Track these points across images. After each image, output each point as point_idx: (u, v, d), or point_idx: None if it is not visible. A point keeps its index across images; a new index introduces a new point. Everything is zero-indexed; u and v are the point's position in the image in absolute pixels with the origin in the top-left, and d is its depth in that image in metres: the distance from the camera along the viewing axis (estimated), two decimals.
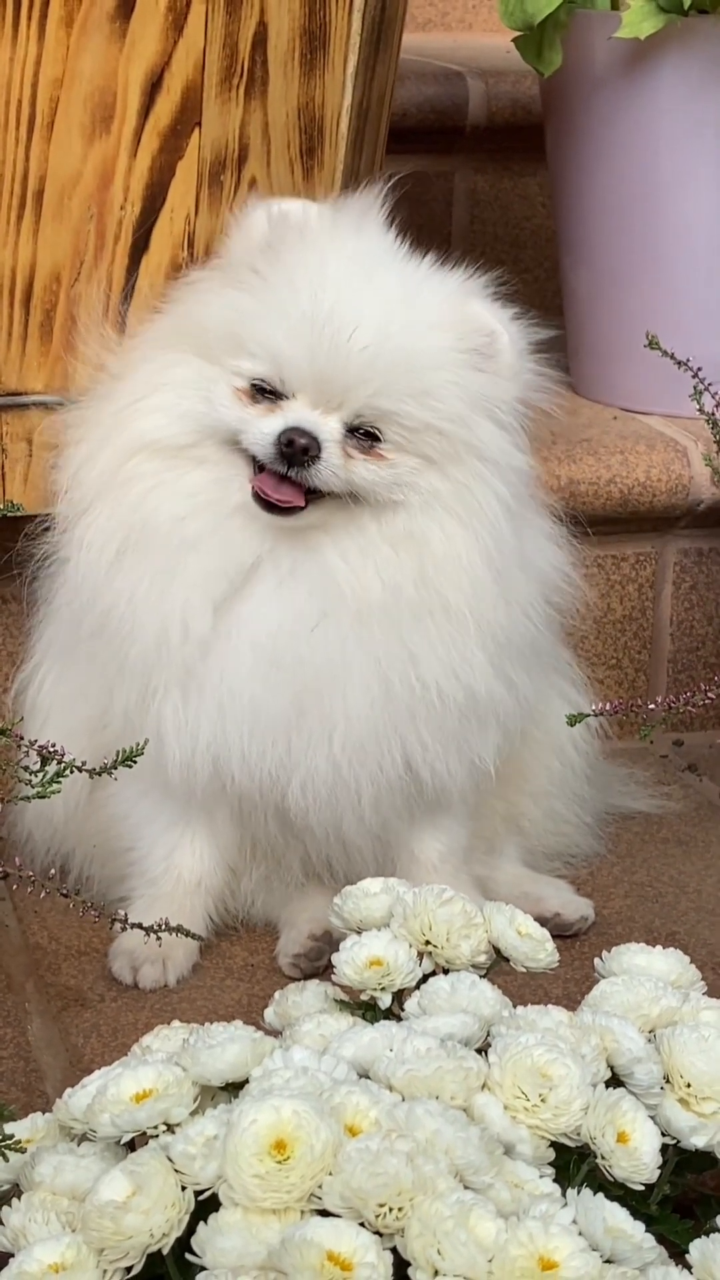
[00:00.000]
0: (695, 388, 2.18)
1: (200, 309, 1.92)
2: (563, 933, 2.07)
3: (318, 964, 2.00)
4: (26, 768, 1.67)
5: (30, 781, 1.65)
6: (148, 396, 1.92)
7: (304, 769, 1.93)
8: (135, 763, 1.65)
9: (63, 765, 1.66)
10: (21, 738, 1.69)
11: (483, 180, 3.28)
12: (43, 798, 1.65)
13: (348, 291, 1.84)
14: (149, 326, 1.98)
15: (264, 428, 1.85)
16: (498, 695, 1.95)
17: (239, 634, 1.90)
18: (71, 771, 1.66)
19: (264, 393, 1.87)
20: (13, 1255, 1.40)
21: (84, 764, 1.66)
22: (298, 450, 1.83)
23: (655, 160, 2.62)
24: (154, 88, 2.10)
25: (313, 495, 1.87)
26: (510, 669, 1.95)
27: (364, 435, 1.87)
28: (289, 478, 1.85)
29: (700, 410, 2.19)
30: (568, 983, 2.02)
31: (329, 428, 1.85)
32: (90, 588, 1.93)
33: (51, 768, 1.66)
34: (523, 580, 1.96)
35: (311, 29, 2.13)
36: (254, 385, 1.87)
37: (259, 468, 1.88)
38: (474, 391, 1.88)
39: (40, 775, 1.65)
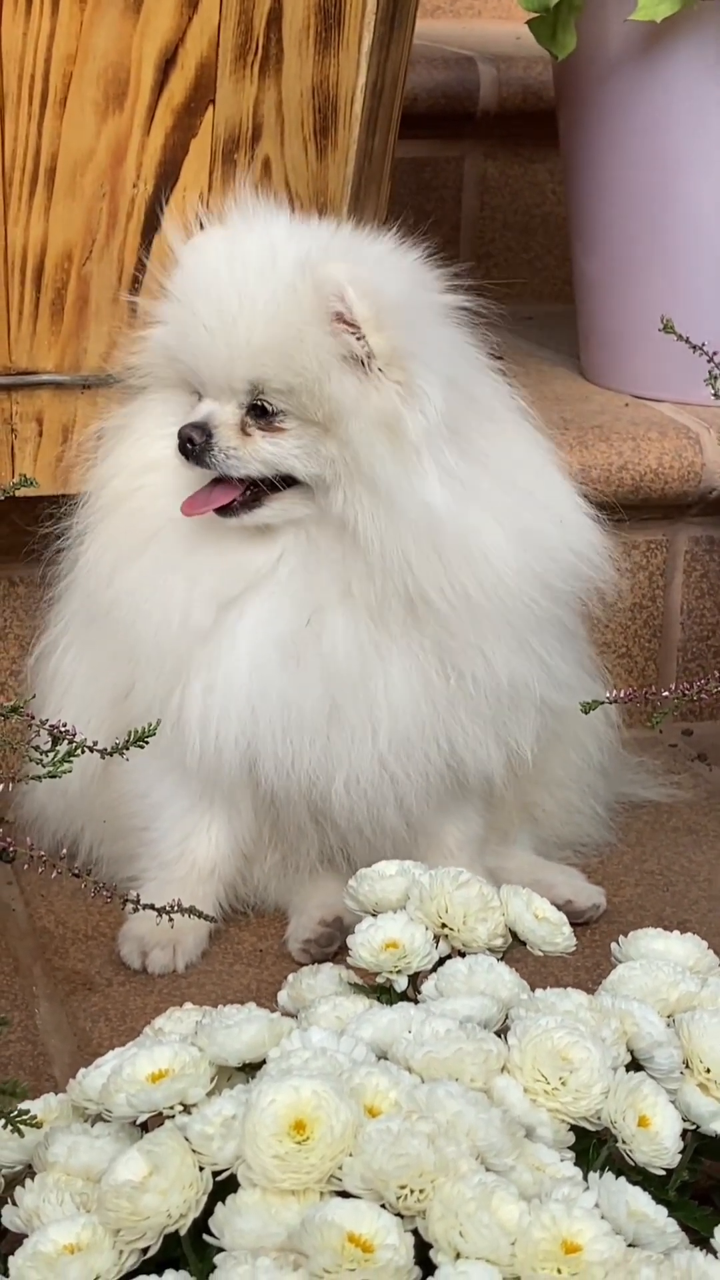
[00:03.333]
0: (710, 373, 2.17)
1: (149, 353, 1.98)
2: (574, 920, 2.03)
3: (328, 950, 1.99)
4: (37, 747, 1.65)
5: (41, 761, 1.63)
6: (148, 432, 1.99)
7: (348, 767, 1.93)
8: (147, 744, 1.64)
9: (74, 745, 1.64)
10: (33, 717, 1.67)
11: (493, 166, 3.27)
12: (54, 777, 1.63)
13: (206, 279, 1.89)
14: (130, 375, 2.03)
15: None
16: (523, 676, 1.94)
17: (252, 630, 1.91)
18: (82, 752, 1.64)
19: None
20: (26, 1236, 1.38)
21: (95, 744, 1.64)
22: (184, 442, 1.88)
23: (669, 145, 2.60)
24: (168, 64, 2.07)
25: (266, 489, 1.89)
26: (537, 645, 1.94)
27: (260, 412, 1.88)
28: (222, 478, 1.90)
29: (716, 395, 2.17)
30: (579, 970, 2.00)
31: (224, 413, 1.88)
32: (95, 587, 1.98)
33: (62, 747, 1.64)
34: (505, 545, 1.90)
35: (326, 6, 2.11)
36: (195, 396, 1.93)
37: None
38: (325, 347, 1.84)
39: (51, 755, 1.63)
